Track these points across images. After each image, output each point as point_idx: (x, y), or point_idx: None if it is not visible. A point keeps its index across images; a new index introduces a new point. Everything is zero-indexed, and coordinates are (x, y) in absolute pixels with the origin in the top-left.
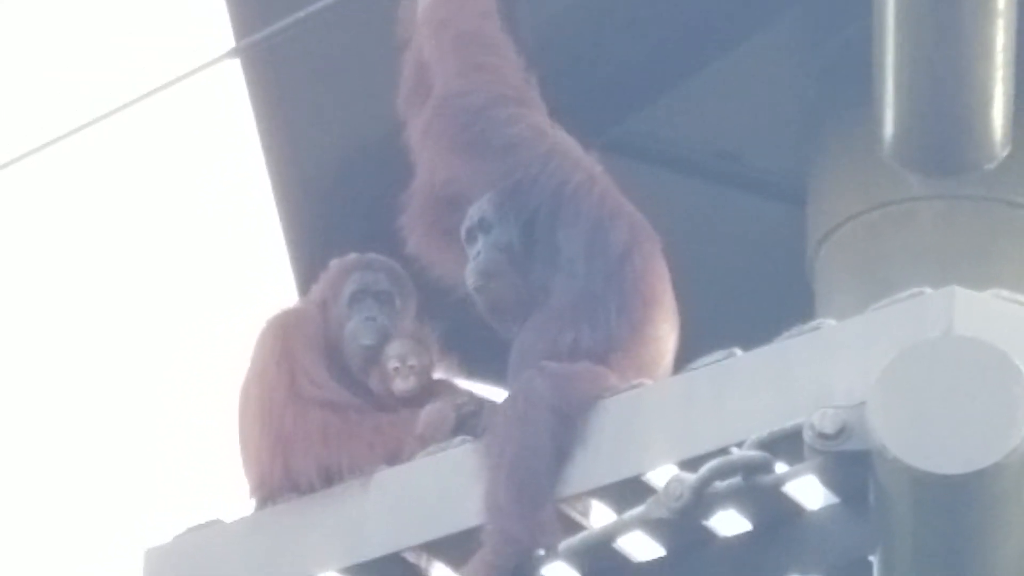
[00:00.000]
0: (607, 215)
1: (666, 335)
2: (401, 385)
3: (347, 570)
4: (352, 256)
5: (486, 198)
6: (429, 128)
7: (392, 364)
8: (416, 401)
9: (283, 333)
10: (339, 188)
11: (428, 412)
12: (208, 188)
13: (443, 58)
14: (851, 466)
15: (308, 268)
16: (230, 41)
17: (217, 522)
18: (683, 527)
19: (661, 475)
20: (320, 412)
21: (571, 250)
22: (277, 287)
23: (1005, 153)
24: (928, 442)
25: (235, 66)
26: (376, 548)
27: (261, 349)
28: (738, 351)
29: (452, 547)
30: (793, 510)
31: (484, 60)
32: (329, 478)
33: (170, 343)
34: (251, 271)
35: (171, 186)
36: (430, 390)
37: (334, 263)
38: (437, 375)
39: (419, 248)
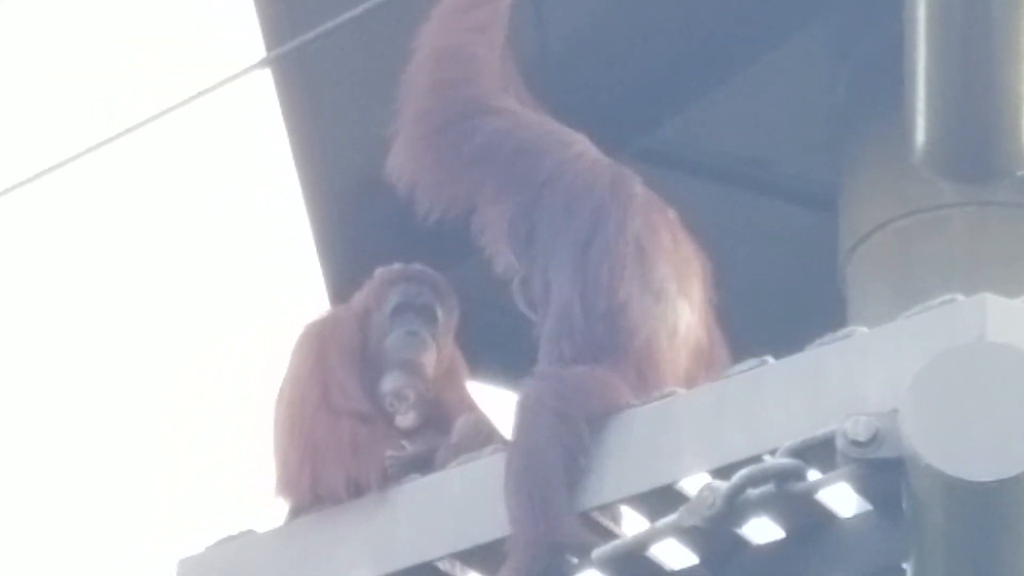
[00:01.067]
0: (573, 200)
1: (657, 315)
2: (401, 422)
3: None
4: (397, 267)
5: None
6: (401, 152)
7: (387, 400)
8: (444, 416)
9: (318, 342)
10: (370, 197)
11: (463, 422)
12: (239, 197)
13: (414, 78)
14: (884, 473)
15: (339, 277)
16: (261, 51)
17: (250, 532)
18: (716, 535)
19: (693, 483)
20: (350, 423)
21: (559, 245)
22: (309, 296)
23: None
24: (960, 449)
25: (266, 76)
26: (408, 557)
27: (296, 357)
28: (770, 359)
29: (485, 556)
30: (826, 517)
31: (448, 76)
32: (357, 490)
33: (202, 352)
34: (282, 280)
35: (202, 196)
36: (457, 406)
37: (379, 272)
38: (464, 390)
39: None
